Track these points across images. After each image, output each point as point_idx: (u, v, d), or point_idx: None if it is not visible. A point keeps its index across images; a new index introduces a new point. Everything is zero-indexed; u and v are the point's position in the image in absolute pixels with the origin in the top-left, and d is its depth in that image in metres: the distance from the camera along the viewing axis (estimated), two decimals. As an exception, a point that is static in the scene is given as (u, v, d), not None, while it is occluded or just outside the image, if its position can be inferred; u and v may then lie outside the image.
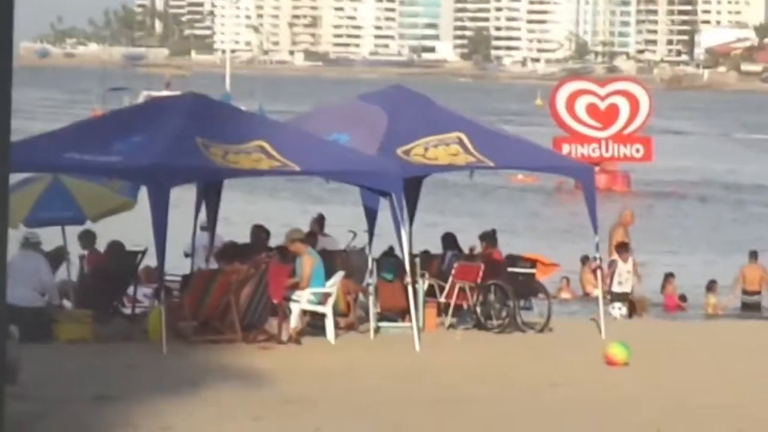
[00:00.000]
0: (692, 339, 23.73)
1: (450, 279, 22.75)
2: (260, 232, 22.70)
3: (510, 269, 23.24)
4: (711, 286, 32.60)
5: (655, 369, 19.21)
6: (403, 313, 21.32)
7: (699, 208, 51.00)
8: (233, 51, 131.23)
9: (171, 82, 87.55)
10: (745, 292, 32.84)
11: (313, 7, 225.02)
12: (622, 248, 28.18)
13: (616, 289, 27.76)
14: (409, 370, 18.73)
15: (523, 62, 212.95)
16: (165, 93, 45.88)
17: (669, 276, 32.34)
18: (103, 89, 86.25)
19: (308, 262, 20.81)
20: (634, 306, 28.36)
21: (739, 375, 19.25)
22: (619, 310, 27.61)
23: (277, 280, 20.54)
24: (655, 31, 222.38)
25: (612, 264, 28.22)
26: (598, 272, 24.92)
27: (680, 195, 53.46)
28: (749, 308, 32.24)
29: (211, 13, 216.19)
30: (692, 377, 19.16)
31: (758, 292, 32.80)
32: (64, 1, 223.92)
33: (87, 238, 22.46)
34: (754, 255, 33.41)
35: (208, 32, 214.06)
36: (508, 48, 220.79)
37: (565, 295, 30.75)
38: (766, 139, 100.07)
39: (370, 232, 21.47)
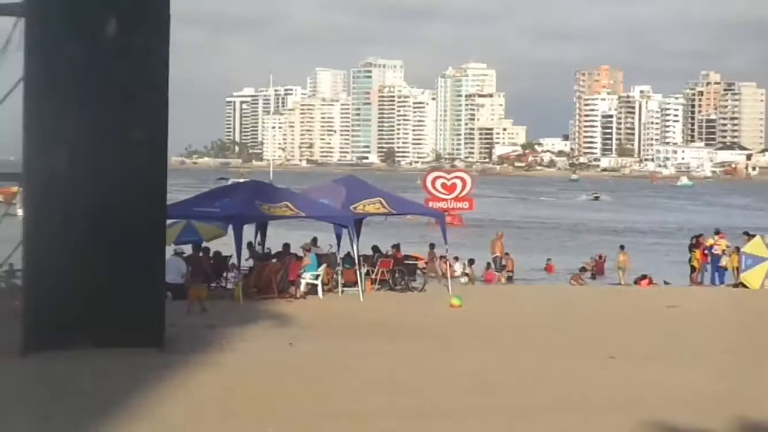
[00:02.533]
0: (499, 294, 35.14)
1: (377, 266, 34.24)
2: (287, 247, 32.82)
3: (405, 262, 35.27)
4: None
5: (478, 308, 29.56)
6: (355, 284, 31.63)
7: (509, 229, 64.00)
8: (274, 160, 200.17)
9: (244, 174, 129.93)
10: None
11: (309, 138, 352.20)
12: (469, 263, 42.34)
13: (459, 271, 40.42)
14: (357, 310, 28.41)
15: (410, 163, 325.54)
16: (241, 180, 61.12)
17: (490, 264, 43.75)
18: (213, 179, 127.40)
19: (305, 260, 31.63)
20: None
21: (532, 310, 29.73)
22: (463, 279, 40.09)
23: (294, 268, 31.13)
24: (473, 146, 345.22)
25: (456, 259, 41.01)
26: (446, 263, 36.25)
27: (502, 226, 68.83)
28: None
29: (262, 142, 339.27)
30: (504, 310, 29.94)
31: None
32: (192, 134, 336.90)
33: (198, 248, 31.30)
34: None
35: (260, 151, 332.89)
36: (404, 156, 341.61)
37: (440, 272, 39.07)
38: (533, 199, 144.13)
39: (338, 246, 32.68)
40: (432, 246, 39.62)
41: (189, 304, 26.93)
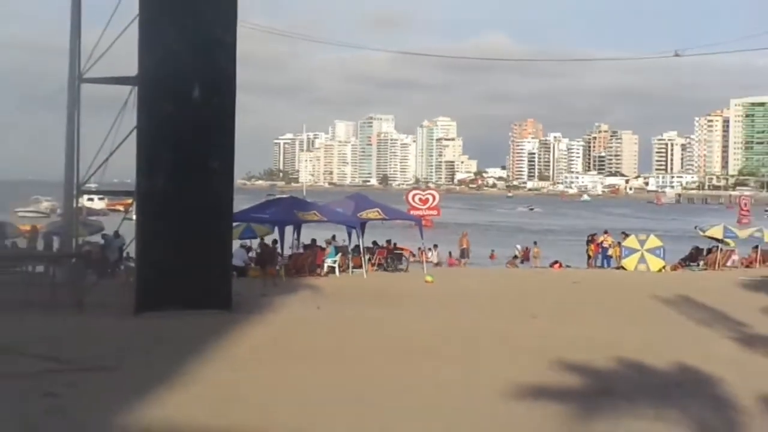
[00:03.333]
0: (458, 274, 34.36)
1: (375, 255, 34.37)
2: (314, 241, 33.50)
3: (395, 251, 35.38)
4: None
5: (444, 283, 28.88)
6: (360, 266, 31.35)
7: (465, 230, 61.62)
8: (306, 182, 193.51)
9: (284, 192, 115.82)
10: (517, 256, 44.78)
11: (330, 168, 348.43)
12: (434, 247, 40.64)
13: (432, 259, 38.68)
14: (362, 285, 27.91)
15: (399, 185, 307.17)
16: (283, 196, 59.33)
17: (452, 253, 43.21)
18: (265, 195, 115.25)
19: (327, 250, 31.59)
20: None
21: (480, 286, 28.52)
22: (434, 263, 38.13)
23: (320, 256, 31.24)
24: (441, 173, 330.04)
25: (430, 249, 39.47)
26: (424, 252, 35.78)
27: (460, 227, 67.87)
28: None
29: (298, 170, 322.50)
30: (461, 284, 28.86)
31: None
32: (250, 164, 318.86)
33: (275, 242, 31.39)
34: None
35: (297, 176, 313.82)
36: (394, 180, 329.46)
37: (418, 259, 38.52)
38: (483, 210, 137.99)
39: (349, 240, 33.08)
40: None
41: (270, 278, 26.76)
